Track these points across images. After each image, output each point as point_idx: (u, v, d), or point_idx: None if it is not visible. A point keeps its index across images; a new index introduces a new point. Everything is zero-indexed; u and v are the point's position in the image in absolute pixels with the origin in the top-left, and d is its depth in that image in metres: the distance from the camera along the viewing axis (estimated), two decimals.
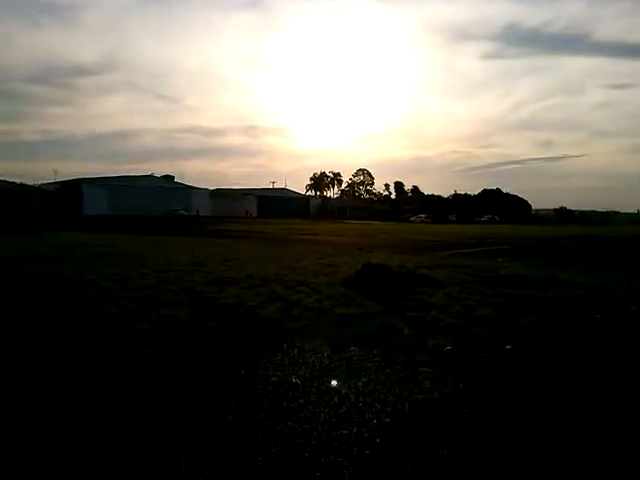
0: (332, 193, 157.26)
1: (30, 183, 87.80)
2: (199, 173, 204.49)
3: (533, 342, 5.45)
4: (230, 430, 3.35)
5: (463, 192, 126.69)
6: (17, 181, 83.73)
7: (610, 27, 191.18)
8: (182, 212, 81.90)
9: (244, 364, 4.74)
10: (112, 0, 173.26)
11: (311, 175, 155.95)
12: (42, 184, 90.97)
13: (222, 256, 14.50)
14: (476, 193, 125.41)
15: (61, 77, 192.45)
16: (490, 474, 2.90)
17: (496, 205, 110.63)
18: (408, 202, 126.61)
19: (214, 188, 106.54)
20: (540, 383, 4.34)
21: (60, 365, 4.56)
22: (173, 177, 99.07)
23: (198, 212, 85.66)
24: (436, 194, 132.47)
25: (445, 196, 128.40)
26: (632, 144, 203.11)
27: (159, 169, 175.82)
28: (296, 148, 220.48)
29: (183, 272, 10.61)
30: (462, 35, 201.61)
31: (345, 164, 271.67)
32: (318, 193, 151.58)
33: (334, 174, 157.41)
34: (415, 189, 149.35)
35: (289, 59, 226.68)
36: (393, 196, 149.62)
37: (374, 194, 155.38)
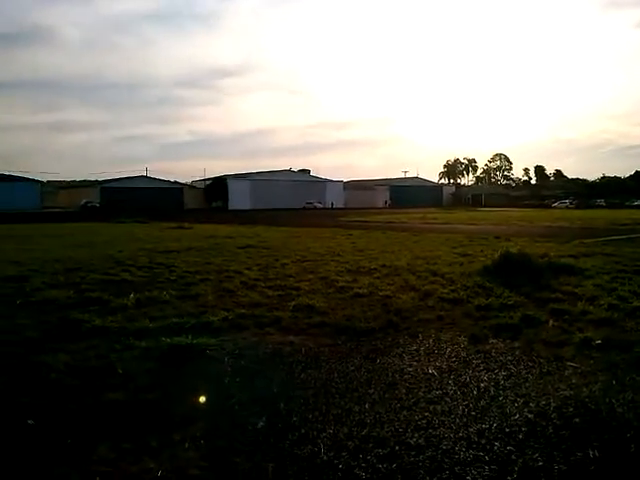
0: (466, 180, 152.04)
1: (182, 181, 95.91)
2: (333, 166, 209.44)
3: None
4: (367, 418, 3.42)
5: (612, 175, 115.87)
6: (171, 179, 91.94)
7: None
8: (317, 204, 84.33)
9: (378, 352, 4.80)
10: (248, 5, 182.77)
11: (444, 162, 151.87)
12: (193, 181, 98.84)
13: (355, 246, 14.71)
14: (627, 175, 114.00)
15: (207, 80, 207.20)
16: None
17: None
18: (550, 187, 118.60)
19: (347, 180, 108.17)
20: None
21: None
22: (309, 171, 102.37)
23: (332, 204, 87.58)
24: (581, 178, 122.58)
25: (592, 179, 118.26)
26: None
27: (296, 163, 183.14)
28: (428, 135, 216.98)
29: (320, 262, 10.93)
30: (613, 2, 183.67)
31: (480, 149, 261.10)
32: (451, 180, 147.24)
33: (468, 160, 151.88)
34: (558, 173, 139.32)
35: (413, 44, 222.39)
36: (533, 181, 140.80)
37: (512, 180, 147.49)
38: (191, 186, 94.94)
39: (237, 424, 3.34)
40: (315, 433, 3.19)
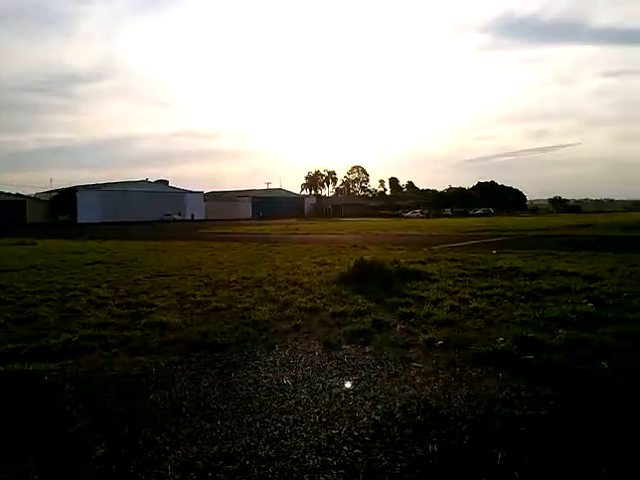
0: (327, 191, 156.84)
1: (26, 193, 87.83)
2: (194, 177, 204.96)
3: (526, 334, 5.42)
4: (219, 434, 3.33)
5: (458, 185, 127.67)
6: (13, 192, 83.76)
7: (603, 15, 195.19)
8: (176, 216, 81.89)
9: (234, 366, 4.72)
10: (106, 8, 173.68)
11: (306, 174, 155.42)
12: (37, 193, 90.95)
13: (215, 259, 14.45)
14: (471, 186, 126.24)
15: (59, 85, 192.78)
16: (481, 471, 2.88)
17: (491, 197, 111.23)
18: (403, 198, 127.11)
19: (209, 191, 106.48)
20: (532, 374, 4.34)
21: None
22: (167, 181, 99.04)
23: (193, 216, 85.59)
24: (431, 188, 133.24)
25: (440, 190, 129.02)
26: (627, 131, 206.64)
27: (155, 174, 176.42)
28: (291, 148, 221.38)
29: (176, 276, 10.56)
30: (457, 27, 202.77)
31: (340, 162, 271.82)
32: (313, 192, 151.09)
33: (328, 172, 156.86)
34: (410, 184, 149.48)
35: (279, 57, 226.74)
36: (388, 192, 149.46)
37: (369, 191, 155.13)
38: (35, 198, 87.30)
39: (76, 454, 3.07)
40: (162, 455, 3.04)
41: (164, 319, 6.42)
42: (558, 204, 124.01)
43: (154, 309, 7.17)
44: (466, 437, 3.23)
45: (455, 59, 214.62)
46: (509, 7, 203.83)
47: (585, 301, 7.30)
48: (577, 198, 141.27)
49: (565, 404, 3.73)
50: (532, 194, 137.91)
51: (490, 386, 4.12)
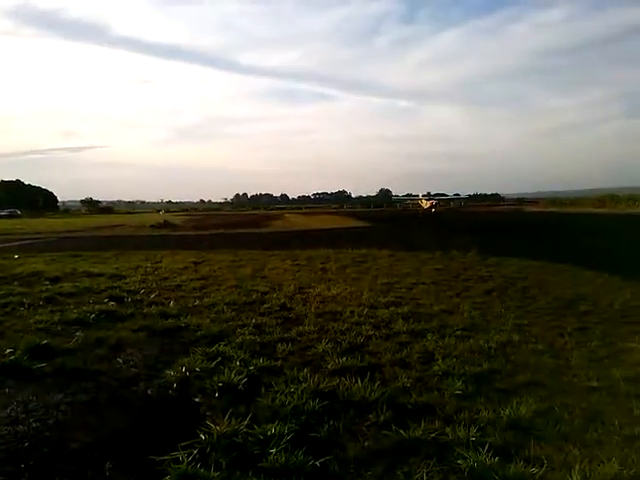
0: None
1: None
2: None
3: (40, 341, 5.12)
4: None
5: None
6: None
7: (129, 23, 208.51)
8: None
9: None
10: None
11: None
12: None
13: None
14: None
15: None
16: None
17: (17, 197, 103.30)
18: None
19: None
20: (44, 382, 4.12)
21: None
22: None
23: None
24: None
25: None
26: (156, 136, 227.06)
27: None
28: None
29: None
30: None
31: None
32: None
33: None
34: None
35: None
36: None
37: None
38: None
39: None
40: None
41: None
42: (90, 205, 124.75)
43: None
44: None
45: None
46: None
47: (107, 300, 7.52)
48: (110, 200, 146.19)
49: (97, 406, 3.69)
50: (64, 195, 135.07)
51: None
